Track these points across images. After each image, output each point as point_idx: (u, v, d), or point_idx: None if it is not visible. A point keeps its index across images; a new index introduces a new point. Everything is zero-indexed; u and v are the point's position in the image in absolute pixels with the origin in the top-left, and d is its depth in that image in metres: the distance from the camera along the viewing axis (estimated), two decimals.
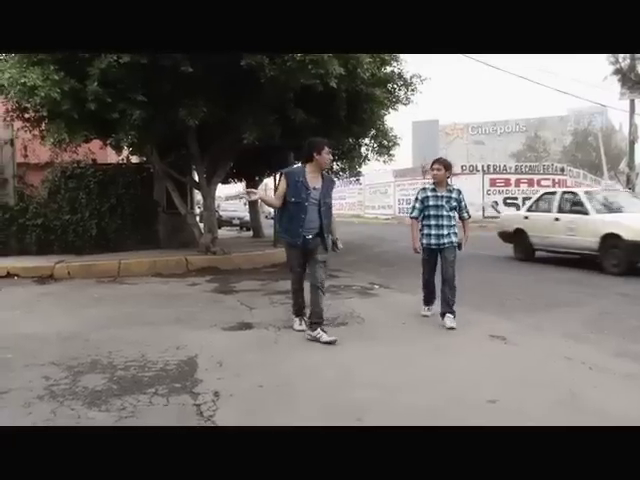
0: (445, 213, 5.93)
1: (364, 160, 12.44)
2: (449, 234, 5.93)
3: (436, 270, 6.06)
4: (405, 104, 11.38)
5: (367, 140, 12.07)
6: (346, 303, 7.03)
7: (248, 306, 6.91)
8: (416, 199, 6.13)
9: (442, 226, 5.92)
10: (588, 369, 4.31)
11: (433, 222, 5.95)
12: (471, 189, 28.65)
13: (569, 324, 5.85)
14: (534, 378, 4.10)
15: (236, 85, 8.98)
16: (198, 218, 13.95)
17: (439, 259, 6.01)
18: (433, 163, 6.06)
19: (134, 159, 13.71)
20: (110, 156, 13.94)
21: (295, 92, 9.14)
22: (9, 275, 9.48)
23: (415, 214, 6.11)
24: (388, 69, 10.89)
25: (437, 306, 6.08)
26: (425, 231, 6.02)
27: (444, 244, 5.92)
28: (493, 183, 29.35)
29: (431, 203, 5.97)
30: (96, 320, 6.19)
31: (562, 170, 31.46)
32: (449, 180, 6.13)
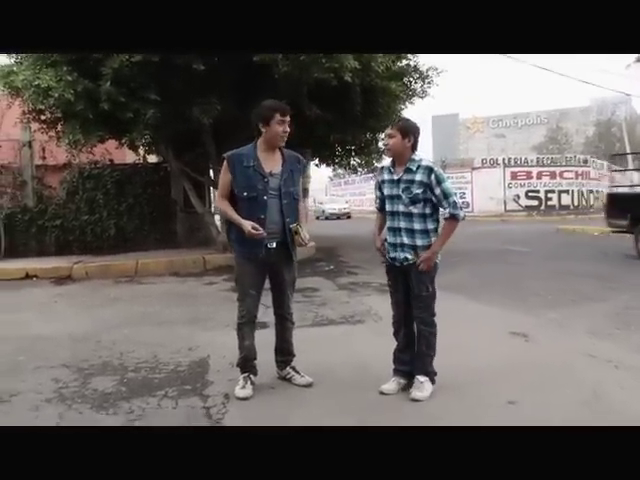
0: (402, 208, 3.70)
1: (381, 155, 12.29)
2: (412, 246, 3.69)
3: (409, 303, 3.82)
4: (422, 97, 11.22)
5: (384, 135, 11.91)
6: (364, 300, 6.92)
7: (263, 304, 6.80)
8: (375, 186, 4.07)
9: (399, 230, 3.73)
10: (614, 367, 4.13)
11: (389, 223, 3.83)
12: (492, 183, 28.43)
13: (593, 320, 5.65)
14: (556, 378, 3.94)
15: (249, 81, 8.90)
16: (216, 217, 13.91)
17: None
18: (385, 127, 3.87)
19: (153, 158, 13.73)
20: (128, 156, 13.95)
21: (309, 87, 9.03)
22: (28, 276, 9.52)
23: (378, 205, 4.01)
24: (404, 62, 10.74)
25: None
26: (387, 238, 3.89)
27: (403, 260, 3.73)
28: (514, 176, 28.94)
29: (386, 192, 3.81)
30: (110, 320, 6.16)
31: (585, 162, 30.95)
32: (415, 154, 3.73)
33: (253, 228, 3.58)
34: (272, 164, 3.76)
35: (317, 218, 33.17)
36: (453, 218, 3.66)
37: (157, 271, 9.90)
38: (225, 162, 3.79)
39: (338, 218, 32.61)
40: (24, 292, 8.36)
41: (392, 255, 3.79)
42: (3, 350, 5.04)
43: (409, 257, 3.70)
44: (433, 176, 3.61)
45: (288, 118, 3.72)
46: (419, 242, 3.68)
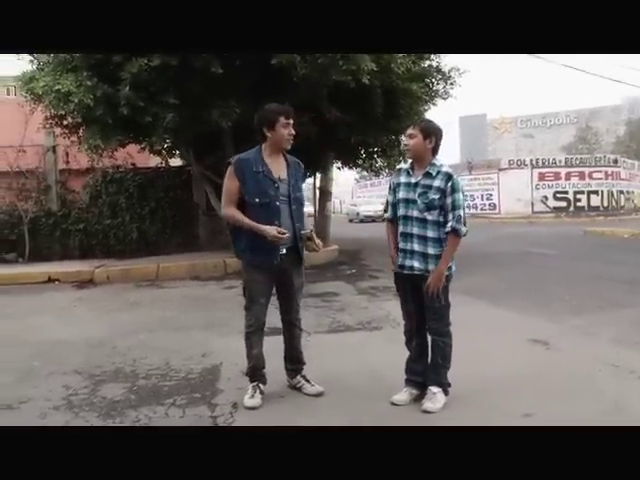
0: (416, 214, 3.55)
1: (403, 157, 12.15)
2: (424, 255, 3.54)
3: (422, 313, 3.65)
4: (444, 98, 11.08)
5: (405, 135, 11.79)
6: (383, 306, 6.80)
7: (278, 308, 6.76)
8: (389, 188, 3.87)
9: (410, 236, 3.57)
10: (637, 379, 3.96)
11: (401, 228, 3.65)
12: (519, 184, 28.00)
13: (619, 327, 5.45)
14: (576, 389, 3.79)
15: (268, 84, 8.84)
16: None
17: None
18: (407, 128, 3.74)
19: (177, 162, 13.77)
20: (152, 159, 14.04)
21: (329, 89, 8.96)
22: (50, 280, 9.61)
23: (389, 214, 3.79)
24: (426, 63, 10.60)
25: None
26: (398, 244, 3.72)
27: (412, 269, 3.59)
28: (542, 177, 28.47)
29: (401, 195, 3.64)
30: (128, 326, 6.15)
31: (615, 161, 30.31)
32: (436, 158, 3.60)
33: (279, 232, 3.52)
34: (279, 169, 3.71)
35: (350, 221, 31.99)
36: (454, 233, 3.48)
37: (178, 275, 9.90)
38: (231, 168, 3.68)
39: (373, 221, 30.25)
40: (46, 296, 8.43)
41: (400, 262, 3.65)
42: (20, 355, 5.06)
43: (416, 266, 3.56)
44: (450, 183, 3.48)
45: (292, 120, 3.65)
46: (431, 250, 3.53)
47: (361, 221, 31.02)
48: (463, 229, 3.49)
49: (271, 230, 3.52)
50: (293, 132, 3.66)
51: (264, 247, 3.59)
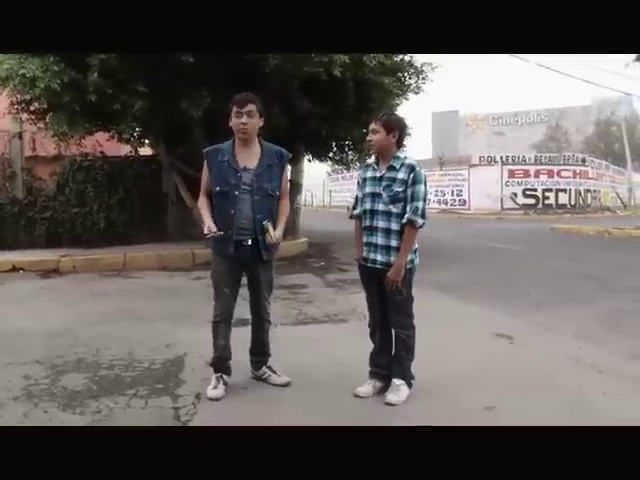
0: (381, 207, 3.56)
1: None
2: (387, 247, 3.55)
3: (385, 305, 3.67)
4: (416, 93, 11.08)
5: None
6: (350, 298, 6.80)
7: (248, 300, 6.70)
8: (357, 184, 3.87)
9: (375, 230, 3.59)
10: (597, 373, 4.03)
11: (367, 222, 3.65)
12: (489, 181, 28.30)
13: (581, 322, 5.56)
14: (538, 382, 3.84)
15: (241, 75, 8.76)
16: None
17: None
18: (370, 123, 3.62)
19: (148, 151, 13.55)
20: (122, 148, 13.79)
21: (302, 81, 8.91)
22: (14, 269, 9.37)
23: (358, 210, 3.77)
24: (399, 57, 10.61)
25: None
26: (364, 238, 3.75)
27: (374, 263, 3.62)
28: (512, 174, 28.83)
29: (367, 190, 3.65)
30: (91, 316, 6.04)
31: (583, 161, 30.89)
32: (400, 151, 3.62)
33: (209, 230, 3.54)
34: (249, 159, 3.68)
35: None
36: (410, 224, 3.47)
37: (146, 265, 9.75)
38: (205, 157, 3.73)
39: None
40: (8, 285, 8.23)
41: (365, 255, 3.67)
42: None
43: (378, 259, 3.58)
44: (412, 175, 3.47)
45: (247, 109, 3.59)
46: (394, 243, 3.53)
47: None
48: (419, 221, 3.47)
49: (205, 226, 3.57)
50: (245, 121, 3.58)
51: (221, 236, 3.60)
